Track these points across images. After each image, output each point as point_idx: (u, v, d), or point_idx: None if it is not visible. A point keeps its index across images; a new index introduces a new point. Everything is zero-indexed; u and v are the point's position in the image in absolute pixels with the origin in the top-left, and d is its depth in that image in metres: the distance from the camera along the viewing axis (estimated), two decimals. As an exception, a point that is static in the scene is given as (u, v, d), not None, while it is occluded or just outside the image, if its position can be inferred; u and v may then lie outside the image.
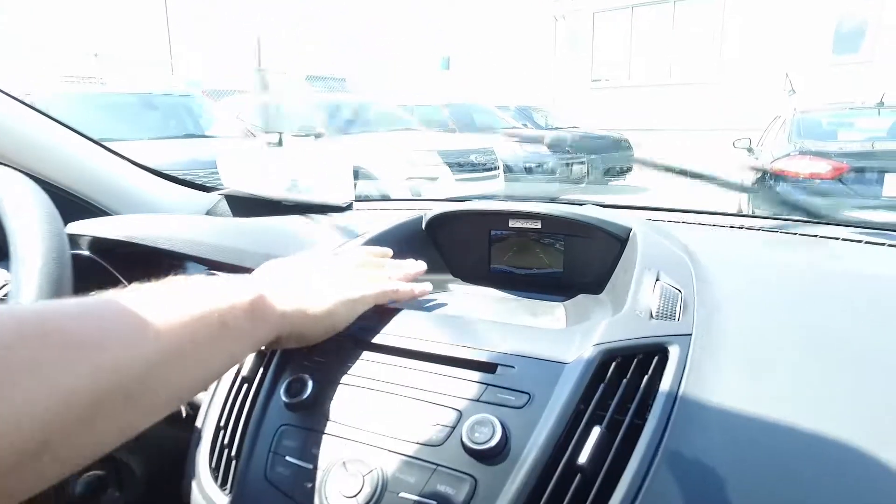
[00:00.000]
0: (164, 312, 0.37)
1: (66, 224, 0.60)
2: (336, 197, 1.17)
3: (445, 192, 5.35)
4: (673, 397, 0.45)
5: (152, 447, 0.58)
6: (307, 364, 0.53)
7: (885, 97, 4.82)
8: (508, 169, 6.75)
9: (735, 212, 0.97)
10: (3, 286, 0.55)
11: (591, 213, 0.71)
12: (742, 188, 5.11)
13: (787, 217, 0.92)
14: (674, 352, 0.48)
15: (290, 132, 6.45)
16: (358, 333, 0.54)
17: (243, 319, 0.42)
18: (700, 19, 11.48)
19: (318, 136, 6.23)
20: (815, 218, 1.01)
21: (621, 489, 0.40)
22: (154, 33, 14.21)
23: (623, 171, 8.99)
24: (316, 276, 0.53)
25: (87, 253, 0.74)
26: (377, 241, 0.71)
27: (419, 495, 0.43)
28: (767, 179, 4.66)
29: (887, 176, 4.04)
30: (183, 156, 3.96)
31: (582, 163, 7.83)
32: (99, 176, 1.01)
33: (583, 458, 0.42)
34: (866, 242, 0.77)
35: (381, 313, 0.57)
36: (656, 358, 0.48)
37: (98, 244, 0.74)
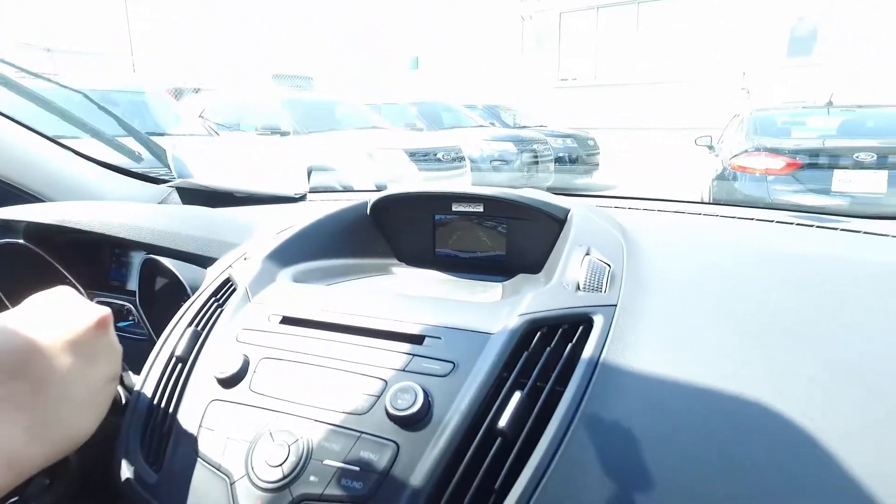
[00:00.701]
0: None
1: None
2: (289, 188, 1.17)
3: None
4: (594, 365, 0.46)
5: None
6: (239, 341, 0.54)
7: (832, 97, 5.03)
8: (476, 167, 6.78)
9: (683, 200, 1.01)
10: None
11: (532, 195, 0.72)
12: (704, 183, 5.25)
13: (726, 202, 0.95)
14: (598, 321, 0.50)
15: (255, 131, 6.34)
16: (288, 311, 0.55)
17: None
18: (662, 21, 11.74)
19: (283, 134, 6.14)
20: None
21: (539, 452, 0.42)
22: (114, 30, 13.81)
23: (590, 169, 9.13)
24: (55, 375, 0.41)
25: (20, 241, 0.72)
26: (319, 226, 0.71)
27: (343, 462, 0.44)
28: (727, 175, 4.80)
29: (836, 171, 4.21)
30: (144, 154, 3.88)
31: (549, 161, 7.89)
32: (36, 163, 0.99)
33: (503, 422, 0.43)
34: (797, 224, 0.81)
35: (314, 293, 0.57)
36: (581, 327, 0.50)
37: (32, 231, 0.72)
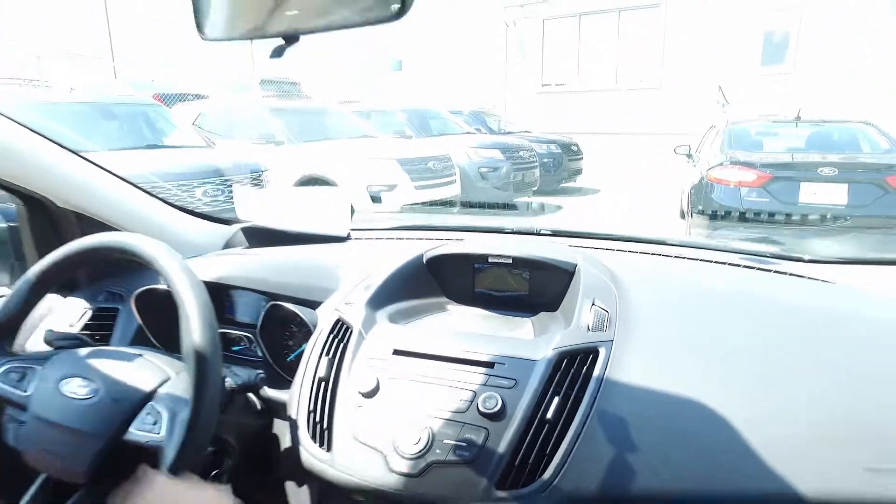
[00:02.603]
0: None
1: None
2: (334, 228, 1.39)
3: (406, 199, 5.56)
4: (601, 379, 0.73)
5: (242, 430, 0.82)
6: (368, 367, 0.79)
7: (800, 112, 5.35)
8: (465, 174, 7.01)
9: (655, 239, 1.27)
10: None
11: (546, 251, 0.97)
12: (682, 193, 5.55)
13: (695, 245, 1.20)
14: (602, 352, 0.76)
15: (249, 140, 6.46)
16: (396, 345, 0.80)
17: None
18: (642, 28, 12.11)
19: (277, 143, 6.29)
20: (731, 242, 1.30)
21: (570, 433, 0.69)
22: (94, 34, 13.75)
23: (574, 174, 9.41)
24: None
25: (166, 287, 0.95)
26: (394, 276, 0.94)
27: (455, 440, 0.71)
28: (704, 186, 5.08)
29: (802, 185, 4.53)
30: (147, 168, 3.98)
31: (534, 167, 8.13)
32: (139, 215, 1.21)
33: (549, 415, 0.70)
34: (743, 266, 1.06)
35: (409, 330, 0.81)
36: (591, 356, 0.75)
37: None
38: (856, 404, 0.70)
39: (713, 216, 4.93)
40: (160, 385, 0.72)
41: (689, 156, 6.62)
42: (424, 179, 5.92)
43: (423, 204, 5.59)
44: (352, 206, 1.44)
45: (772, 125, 5.66)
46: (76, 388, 0.71)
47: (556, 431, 0.69)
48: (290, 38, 0.51)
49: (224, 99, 8.06)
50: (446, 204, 5.91)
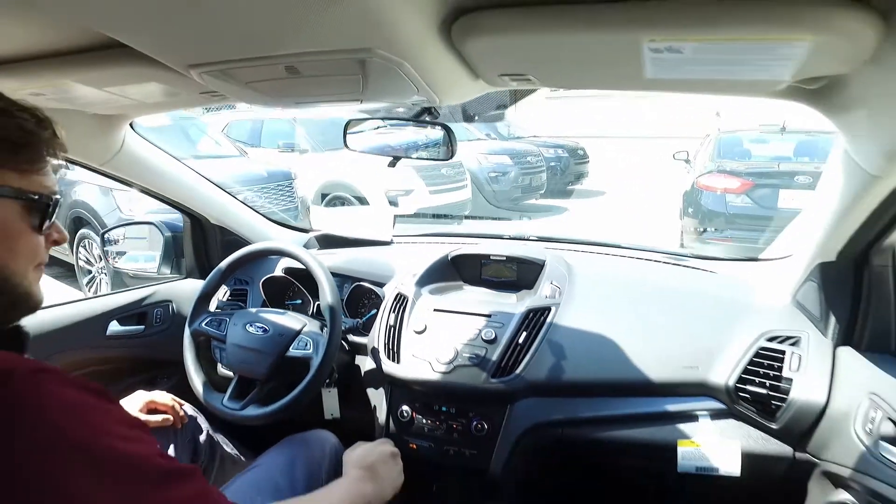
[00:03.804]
0: None
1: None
2: (380, 234, 1.93)
3: (421, 203, 6.03)
4: (550, 324, 1.25)
5: (339, 361, 1.35)
6: (419, 318, 1.32)
7: (785, 123, 5.80)
8: (475, 178, 7.48)
9: (611, 243, 1.82)
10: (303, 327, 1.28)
11: (527, 252, 1.49)
12: (679, 196, 6.00)
13: (641, 248, 1.72)
14: (553, 309, 1.28)
15: (276, 148, 6.94)
16: (436, 306, 1.33)
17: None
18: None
19: (302, 152, 6.77)
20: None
21: (531, 350, 1.22)
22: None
23: (580, 177, 9.85)
24: (381, 469, 0.99)
25: (283, 274, 1.50)
26: (430, 269, 1.47)
27: (469, 354, 1.21)
28: (694, 191, 5.55)
29: (781, 191, 5.00)
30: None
31: (541, 171, 8.56)
32: (253, 227, 1.76)
33: (520, 341, 1.22)
34: (663, 262, 1.58)
35: (443, 299, 1.36)
36: (546, 311, 1.28)
37: (289, 270, 1.51)
38: (685, 339, 1.23)
39: (702, 220, 5.44)
40: (303, 327, 1.26)
41: (687, 161, 7.06)
42: (438, 185, 6.38)
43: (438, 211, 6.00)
44: (394, 217, 1.98)
45: (759, 136, 6.10)
46: (255, 328, 1.26)
47: (523, 349, 1.23)
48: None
49: (250, 109, 8.58)
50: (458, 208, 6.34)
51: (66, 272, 4.55)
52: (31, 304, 0.62)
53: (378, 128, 1.15)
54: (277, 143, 6.99)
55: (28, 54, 0.81)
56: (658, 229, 6.29)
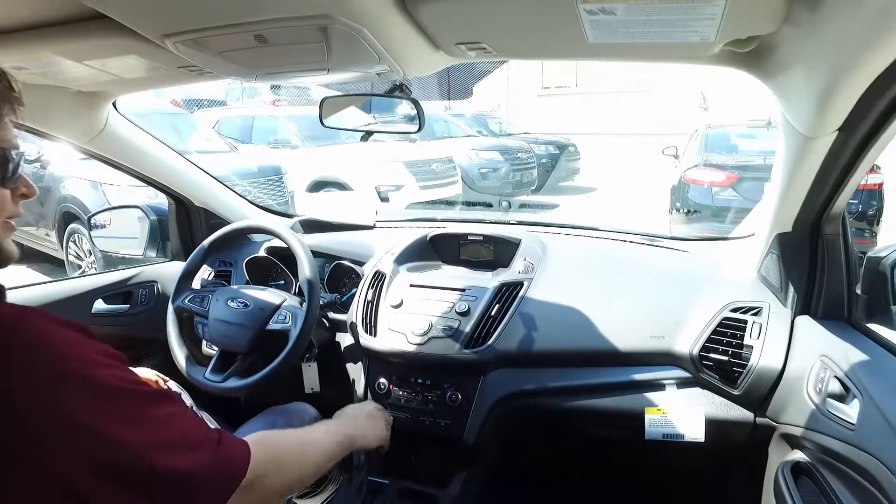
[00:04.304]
0: (330, 447, 0.88)
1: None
2: (363, 219, 1.96)
3: (411, 198, 6.06)
4: (522, 297, 1.29)
5: (319, 337, 1.39)
6: (395, 293, 1.35)
7: (771, 118, 5.87)
8: (466, 175, 7.51)
9: (588, 226, 1.88)
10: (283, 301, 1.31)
11: (504, 232, 1.53)
12: (668, 190, 6.07)
13: (618, 230, 1.76)
14: (525, 284, 1.32)
15: (267, 144, 6.94)
16: (412, 281, 1.37)
17: (346, 446, 0.94)
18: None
19: (293, 147, 6.79)
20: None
21: (503, 322, 1.25)
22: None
23: (571, 174, 9.90)
24: (363, 421, 1.07)
25: (266, 255, 1.53)
26: (409, 248, 1.51)
27: (443, 326, 1.25)
28: (682, 184, 5.62)
29: (766, 184, 5.06)
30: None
31: (532, 168, 8.61)
32: (237, 210, 1.79)
33: (492, 313, 1.26)
34: (637, 243, 1.62)
35: (419, 276, 1.39)
36: (518, 285, 1.32)
37: (271, 250, 1.54)
38: (653, 311, 1.27)
39: (689, 212, 5.50)
40: (283, 301, 1.30)
41: (676, 156, 7.13)
42: (428, 180, 6.41)
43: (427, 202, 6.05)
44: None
45: (745, 131, 6.18)
46: (236, 304, 1.29)
47: (495, 321, 1.27)
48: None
49: (241, 106, 8.61)
50: (448, 203, 6.39)
51: (56, 267, 4.56)
52: (2, 257, 0.64)
53: (351, 105, 1.18)
54: (268, 140, 6.99)
55: (8, 26, 0.84)
56: (648, 224, 6.34)
